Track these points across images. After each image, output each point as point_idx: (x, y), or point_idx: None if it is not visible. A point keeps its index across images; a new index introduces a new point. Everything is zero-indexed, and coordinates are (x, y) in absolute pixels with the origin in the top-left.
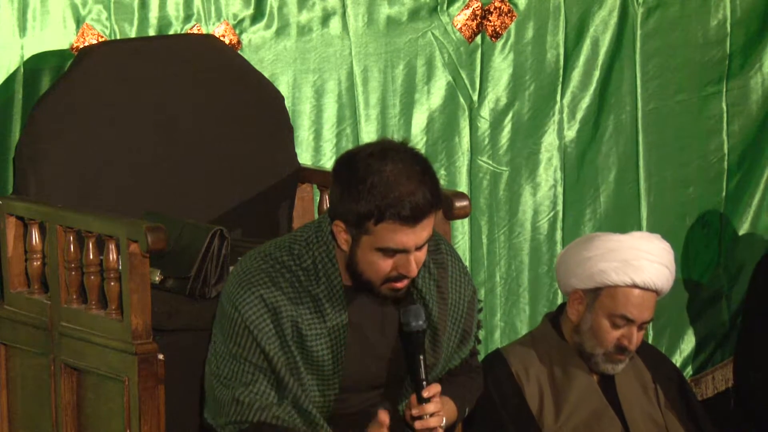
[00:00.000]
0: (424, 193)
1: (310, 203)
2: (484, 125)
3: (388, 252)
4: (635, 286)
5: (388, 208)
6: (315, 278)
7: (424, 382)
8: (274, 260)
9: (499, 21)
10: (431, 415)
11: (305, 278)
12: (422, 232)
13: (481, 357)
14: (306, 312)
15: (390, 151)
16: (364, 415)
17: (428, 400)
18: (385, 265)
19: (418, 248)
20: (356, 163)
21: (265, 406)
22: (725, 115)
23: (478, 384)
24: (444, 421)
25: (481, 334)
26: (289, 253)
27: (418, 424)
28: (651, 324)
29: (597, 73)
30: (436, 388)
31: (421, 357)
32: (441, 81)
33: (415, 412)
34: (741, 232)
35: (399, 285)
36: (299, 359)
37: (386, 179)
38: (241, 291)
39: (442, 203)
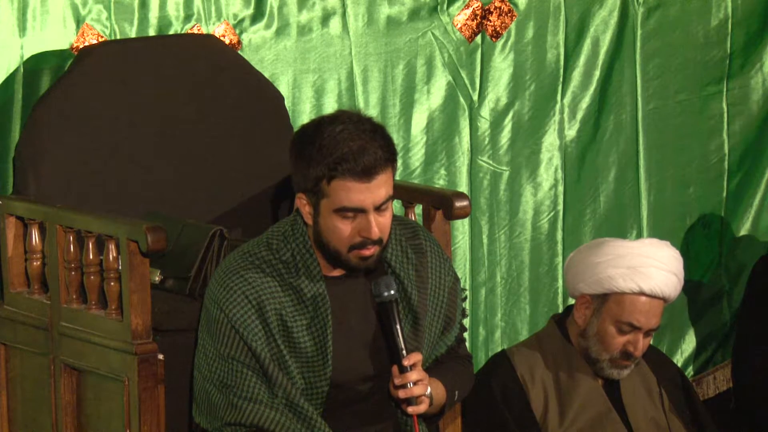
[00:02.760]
0: (374, 148)
1: None
2: (484, 125)
3: (347, 213)
4: (642, 293)
5: (338, 163)
6: (295, 270)
7: (404, 351)
8: (253, 257)
9: (499, 21)
10: (414, 383)
11: (285, 271)
12: (378, 191)
13: (484, 357)
14: (289, 304)
15: (341, 116)
16: (358, 410)
17: (409, 368)
18: (346, 228)
19: (378, 209)
20: (307, 131)
21: (259, 406)
22: (726, 115)
23: (469, 372)
24: (429, 390)
25: (482, 331)
26: (268, 248)
27: (401, 393)
28: None
29: (597, 73)
30: (416, 356)
31: (398, 327)
32: (441, 81)
33: (397, 381)
34: (742, 233)
35: (366, 252)
36: (287, 352)
37: (335, 138)
38: (224, 291)
39: (395, 160)
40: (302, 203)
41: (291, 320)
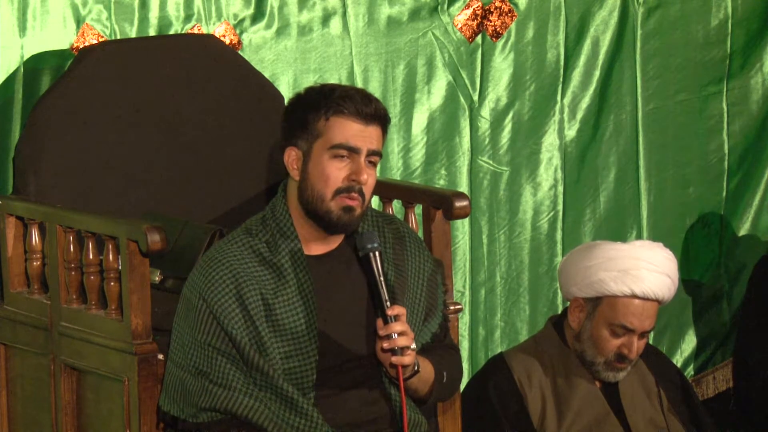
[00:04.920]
0: (377, 102)
1: None
2: (484, 125)
3: (341, 151)
4: (634, 296)
5: (343, 100)
6: (274, 248)
7: (388, 302)
8: (232, 242)
9: (499, 21)
10: (398, 334)
11: (266, 250)
12: (372, 138)
13: (484, 357)
14: (271, 281)
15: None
16: (350, 397)
17: (393, 318)
18: (336, 169)
19: (368, 160)
20: (308, 88)
21: (233, 393)
22: (725, 115)
23: (456, 359)
24: (414, 345)
25: (481, 331)
26: (247, 232)
27: (385, 344)
28: None
29: (597, 73)
30: (401, 308)
31: (382, 279)
32: (441, 81)
33: (381, 332)
34: (741, 233)
35: (350, 201)
36: (268, 335)
37: (332, 86)
38: (204, 279)
39: (387, 131)
40: (293, 157)
41: (273, 298)
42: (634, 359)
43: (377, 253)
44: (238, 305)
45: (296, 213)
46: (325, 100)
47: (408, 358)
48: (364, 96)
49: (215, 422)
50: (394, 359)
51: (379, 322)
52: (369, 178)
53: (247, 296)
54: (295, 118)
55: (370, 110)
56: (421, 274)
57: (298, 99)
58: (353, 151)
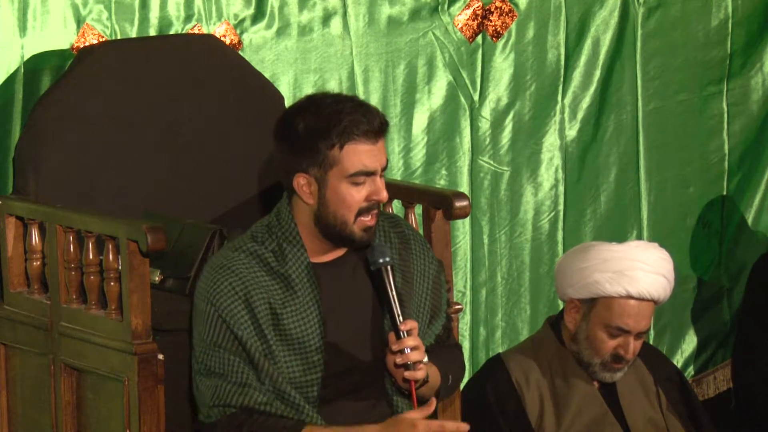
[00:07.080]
0: (376, 112)
1: None
2: (485, 125)
3: (359, 178)
4: (630, 296)
5: (353, 127)
6: (281, 258)
7: (400, 317)
8: (239, 250)
9: (500, 21)
10: (411, 349)
11: (273, 260)
12: (382, 153)
13: (484, 356)
14: (278, 291)
15: (325, 93)
16: (353, 403)
17: (405, 333)
18: (356, 194)
19: (380, 173)
20: (302, 109)
21: (248, 389)
22: (726, 115)
23: (459, 359)
24: (426, 359)
25: (482, 331)
26: (253, 240)
27: (398, 359)
28: (652, 325)
29: (598, 73)
30: (413, 323)
31: (394, 293)
32: (442, 81)
33: (394, 347)
34: (741, 233)
35: (370, 222)
36: (276, 343)
37: (337, 108)
38: (212, 285)
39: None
40: (303, 183)
41: (280, 307)
42: (631, 360)
43: (389, 268)
44: (246, 310)
45: (302, 223)
46: (336, 128)
47: (420, 373)
48: (367, 111)
49: (229, 417)
50: (407, 374)
51: (392, 336)
52: (383, 185)
53: (255, 303)
54: (303, 143)
55: (376, 125)
56: (426, 276)
57: (299, 120)
58: (370, 174)
